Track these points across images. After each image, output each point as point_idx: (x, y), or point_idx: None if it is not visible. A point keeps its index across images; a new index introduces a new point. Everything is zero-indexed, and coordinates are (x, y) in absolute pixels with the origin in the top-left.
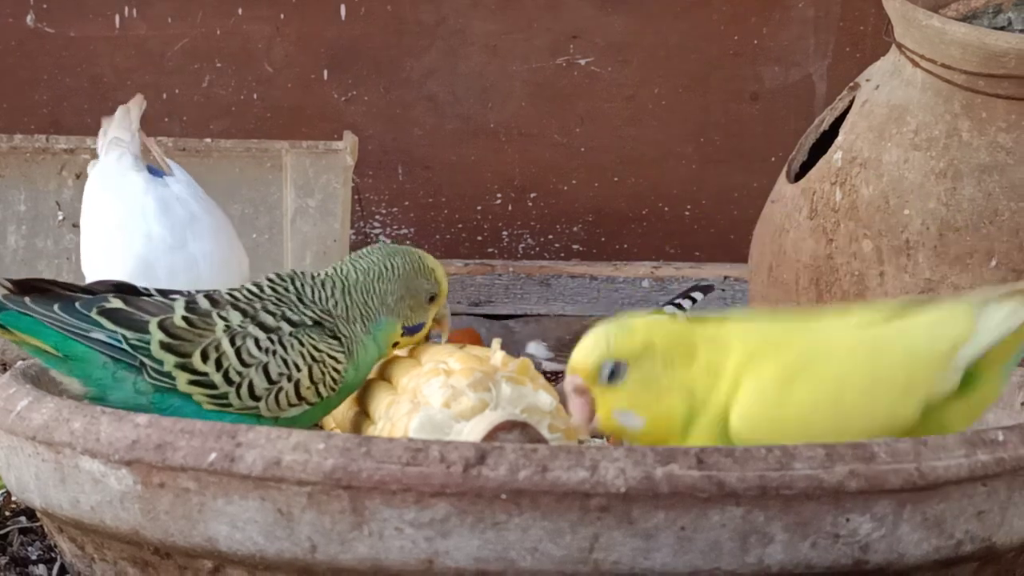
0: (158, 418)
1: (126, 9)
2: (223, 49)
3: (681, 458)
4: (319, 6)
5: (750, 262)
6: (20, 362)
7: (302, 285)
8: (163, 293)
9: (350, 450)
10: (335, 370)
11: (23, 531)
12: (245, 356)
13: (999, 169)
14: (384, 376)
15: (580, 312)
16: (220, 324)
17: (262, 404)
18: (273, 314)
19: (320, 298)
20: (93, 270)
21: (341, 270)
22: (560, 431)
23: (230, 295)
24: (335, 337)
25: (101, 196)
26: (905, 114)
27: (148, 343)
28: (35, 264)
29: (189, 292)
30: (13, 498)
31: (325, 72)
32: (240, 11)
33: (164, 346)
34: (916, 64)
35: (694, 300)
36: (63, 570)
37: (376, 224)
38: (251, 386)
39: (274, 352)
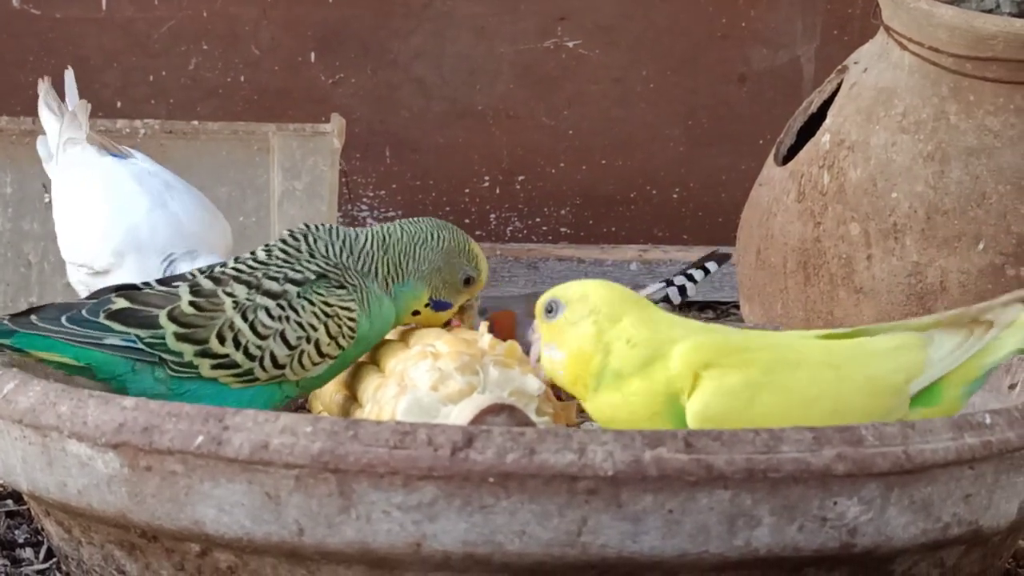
0: (145, 401)
1: None
2: (210, 31)
3: (669, 441)
4: None
5: (738, 245)
6: None
7: (314, 240)
8: (163, 283)
9: (337, 433)
10: (350, 319)
11: (10, 514)
12: (260, 329)
13: (987, 152)
14: (372, 359)
15: None
16: (228, 302)
17: (287, 370)
18: (276, 279)
19: (332, 251)
20: (76, 251)
21: (387, 228)
22: (548, 414)
23: (233, 268)
24: (342, 287)
25: (75, 179)
26: (893, 97)
27: (163, 338)
28: (21, 246)
29: (190, 274)
30: (0, 481)
31: (312, 54)
32: None
33: (180, 337)
34: (904, 47)
35: (707, 271)
36: (50, 553)
37: (363, 207)
38: (273, 356)
39: (287, 318)
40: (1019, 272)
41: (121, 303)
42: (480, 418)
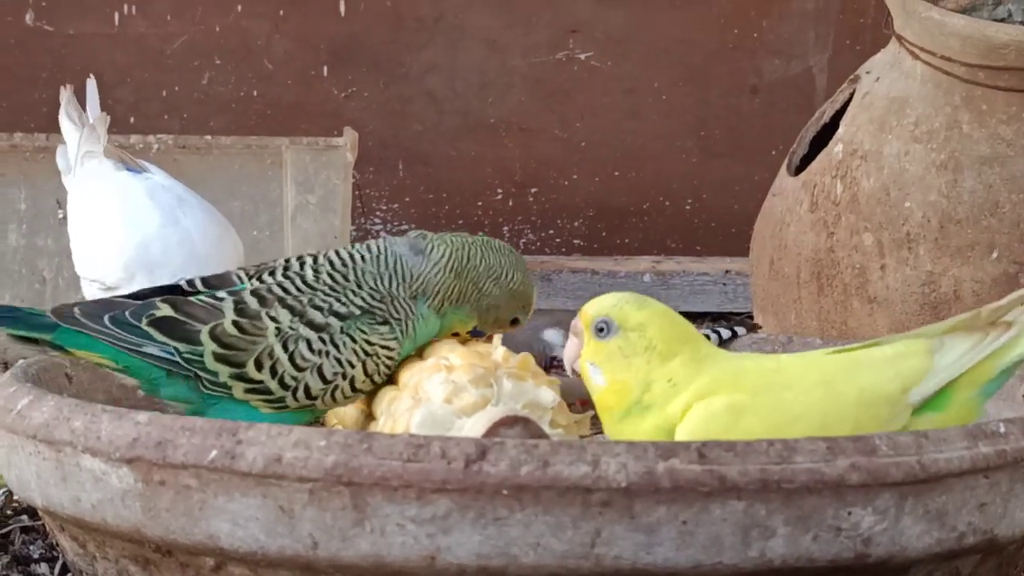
0: (158, 416)
1: (125, 7)
2: (222, 46)
3: (682, 452)
4: (318, 2)
5: (751, 256)
6: (21, 361)
7: (362, 271)
8: (208, 285)
9: (351, 446)
10: (388, 358)
11: (25, 530)
12: (299, 360)
13: (1000, 161)
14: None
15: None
16: (271, 327)
17: (318, 402)
18: (321, 308)
19: (381, 283)
20: (90, 266)
21: (468, 249)
22: (561, 427)
23: (280, 287)
24: (386, 322)
25: (90, 193)
26: (905, 106)
27: (201, 355)
28: (35, 263)
29: (236, 286)
30: (15, 497)
31: (325, 68)
32: (239, 8)
33: (218, 357)
34: (916, 56)
35: (735, 334)
36: (65, 569)
37: (377, 220)
38: (307, 388)
39: (327, 353)
40: None
41: (165, 310)
42: (494, 430)
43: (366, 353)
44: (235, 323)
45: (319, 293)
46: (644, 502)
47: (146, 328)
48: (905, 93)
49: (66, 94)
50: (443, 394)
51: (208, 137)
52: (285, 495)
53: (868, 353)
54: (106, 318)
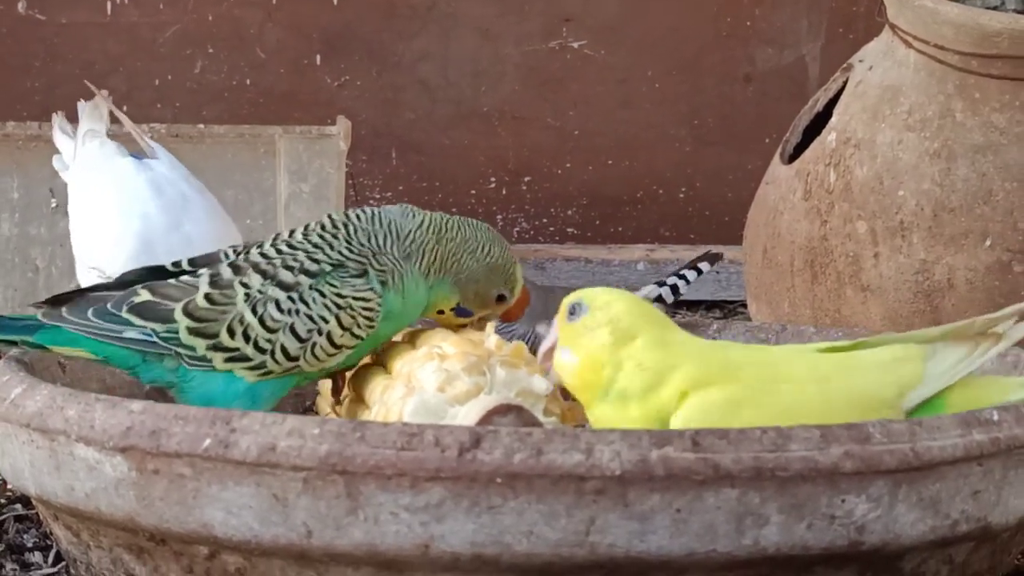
0: (152, 404)
1: None
2: (215, 35)
3: (676, 440)
4: None
5: (744, 244)
6: (14, 350)
7: (354, 229)
8: (195, 264)
9: (344, 435)
10: (366, 310)
11: (19, 519)
12: (269, 322)
13: (993, 149)
14: (379, 361)
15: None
16: (240, 294)
17: (301, 362)
18: (291, 268)
19: (374, 239)
20: (89, 254)
21: (446, 221)
22: (555, 415)
23: (261, 255)
24: (363, 275)
25: (91, 181)
26: (899, 95)
27: (177, 332)
28: (28, 252)
29: (223, 255)
30: (8, 486)
31: (318, 57)
32: None
33: (192, 331)
34: (909, 45)
35: (700, 271)
36: (59, 557)
37: None
38: (284, 349)
39: (297, 311)
40: None
41: (144, 296)
42: (487, 419)
43: (338, 307)
44: (207, 296)
45: (298, 253)
46: (638, 490)
47: (126, 316)
48: (898, 82)
49: (57, 119)
50: (436, 382)
51: (201, 126)
52: (279, 484)
53: (863, 355)
54: (90, 312)
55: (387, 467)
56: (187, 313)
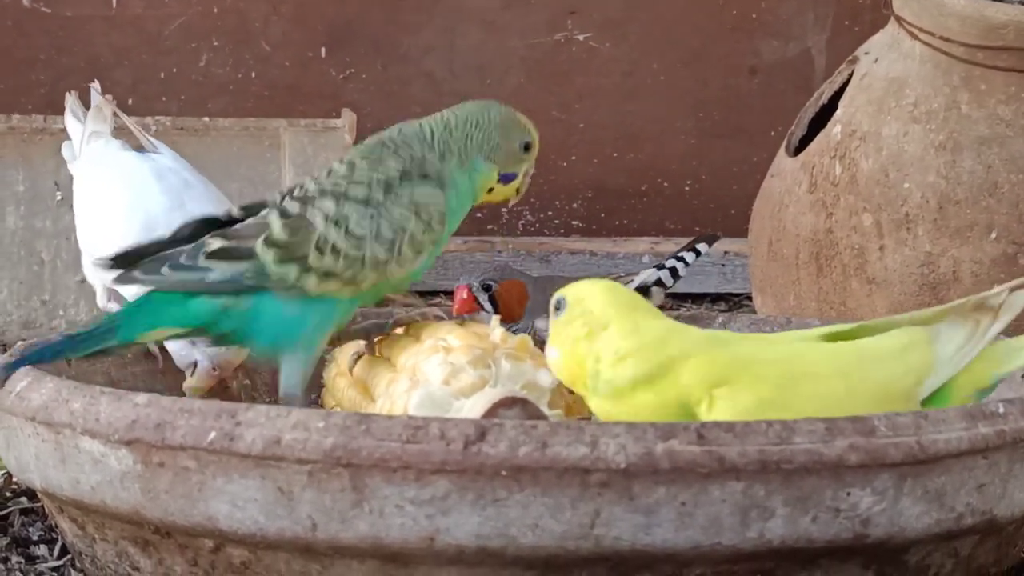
0: (157, 397)
1: None
2: (220, 27)
3: (681, 434)
4: None
5: (750, 237)
6: (19, 343)
7: (395, 147)
8: (248, 211)
9: (350, 428)
10: (438, 210)
11: (24, 512)
12: (357, 232)
13: (999, 141)
14: (383, 354)
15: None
16: (319, 216)
17: (390, 267)
18: (361, 183)
19: (413, 149)
20: (95, 246)
21: (441, 117)
22: (560, 407)
23: (316, 186)
24: (424, 178)
25: (95, 174)
26: (904, 87)
27: (264, 267)
28: (33, 244)
29: (270, 201)
30: (14, 479)
31: (323, 50)
32: None
33: (279, 260)
34: (915, 37)
35: (699, 252)
36: (64, 550)
37: None
38: (373, 258)
39: (378, 218)
40: None
41: (217, 243)
42: (492, 412)
43: (416, 210)
44: (284, 226)
45: (356, 174)
46: (643, 483)
47: (204, 264)
48: (904, 74)
49: (71, 98)
50: (441, 375)
51: (206, 119)
52: (284, 477)
53: (875, 344)
54: (164, 269)
55: (392, 460)
56: (270, 244)
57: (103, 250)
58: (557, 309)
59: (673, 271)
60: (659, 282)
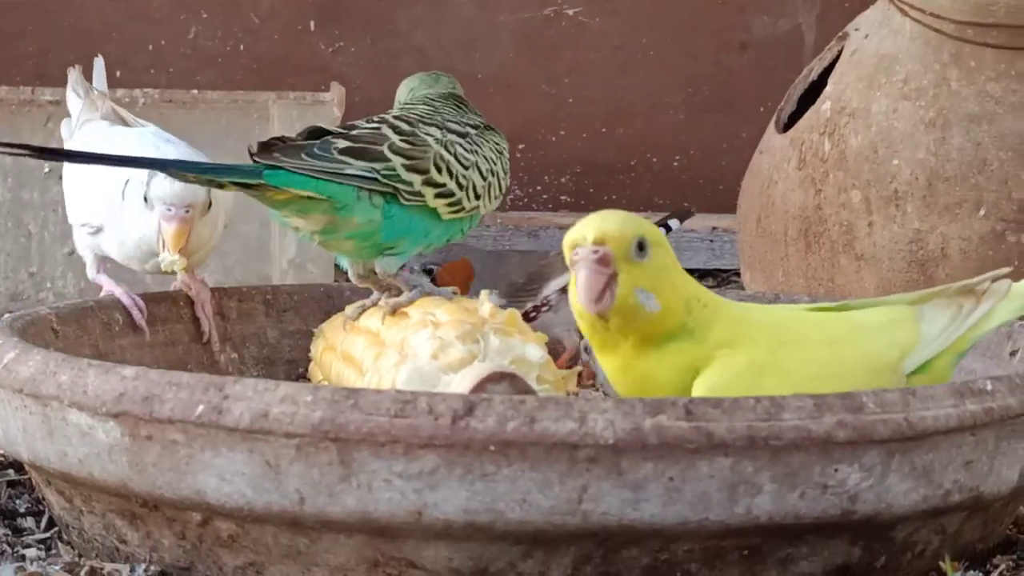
0: (145, 370)
1: None
2: (209, 0)
3: (670, 409)
4: None
5: (738, 213)
6: (6, 315)
7: (453, 107)
8: (348, 127)
9: (338, 402)
10: (508, 159)
11: (11, 484)
12: (464, 161)
13: (988, 119)
14: (371, 328)
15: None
16: (430, 138)
17: (482, 202)
18: (452, 120)
19: (463, 110)
20: (82, 211)
21: (436, 78)
22: (548, 383)
23: (405, 114)
24: (492, 128)
25: (86, 145)
26: (894, 64)
27: (395, 169)
28: (21, 216)
29: (376, 118)
30: (1, 451)
31: (312, 23)
32: None
33: (408, 168)
34: (905, 13)
35: (669, 228)
36: (51, 523)
37: None
38: (474, 186)
39: (477, 152)
40: (1020, 239)
41: (343, 142)
42: (481, 386)
43: (499, 152)
44: (403, 140)
45: (444, 112)
46: (631, 458)
47: (340, 157)
48: (894, 50)
49: (74, 74)
50: (430, 350)
51: (194, 92)
52: (272, 450)
53: (862, 316)
54: (303, 155)
55: (380, 434)
56: (396, 152)
57: (86, 211)
58: (642, 249)
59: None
60: None
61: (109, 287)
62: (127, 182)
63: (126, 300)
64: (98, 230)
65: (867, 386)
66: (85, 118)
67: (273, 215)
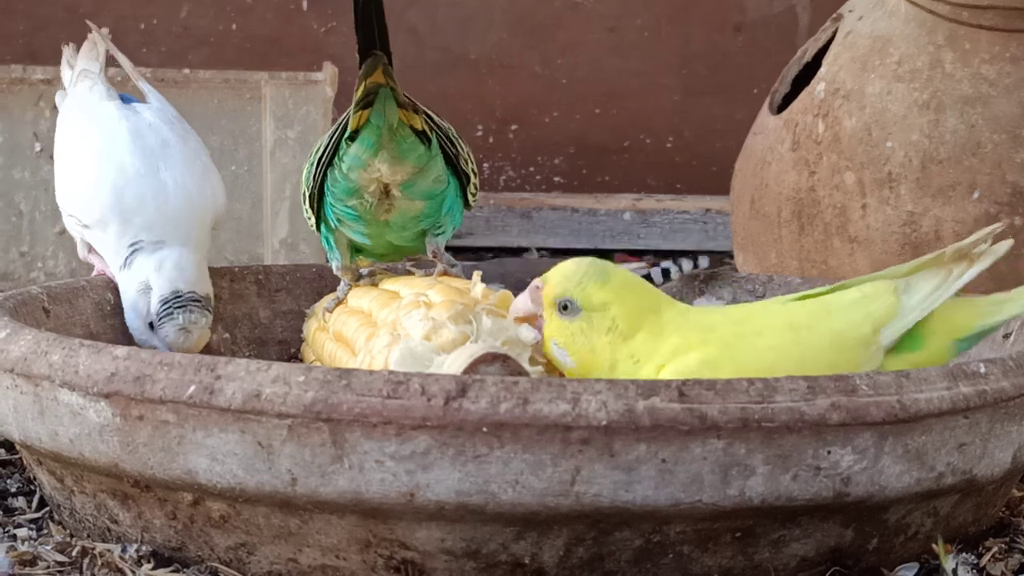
0: (136, 351)
1: None
2: None
3: (663, 391)
4: None
5: (732, 195)
6: None
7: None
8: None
9: (330, 383)
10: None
11: (2, 464)
12: (472, 161)
13: (982, 101)
14: (363, 309)
15: (562, 245)
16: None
17: (473, 201)
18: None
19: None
20: (67, 200)
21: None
22: (541, 364)
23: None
24: None
25: (75, 125)
26: (888, 45)
27: (465, 157)
28: (12, 196)
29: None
30: None
31: (304, 2)
32: None
33: (466, 160)
34: None
35: (696, 265)
36: (43, 503)
37: None
38: (474, 184)
39: (470, 156)
40: (1013, 221)
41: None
42: (473, 367)
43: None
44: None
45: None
46: (624, 440)
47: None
48: (888, 32)
49: (67, 51)
50: (422, 331)
51: (186, 71)
52: (264, 431)
53: (834, 297)
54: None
55: (373, 415)
56: (457, 139)
57: (74, 206)
58: (565, 310)
59: (666, 272)
60: (648, 277)
61: (101, 266)
62: (131, 252)
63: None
64: (87, 227)
65: (833, 364)
66: (83, 67)
67: (359, 160)
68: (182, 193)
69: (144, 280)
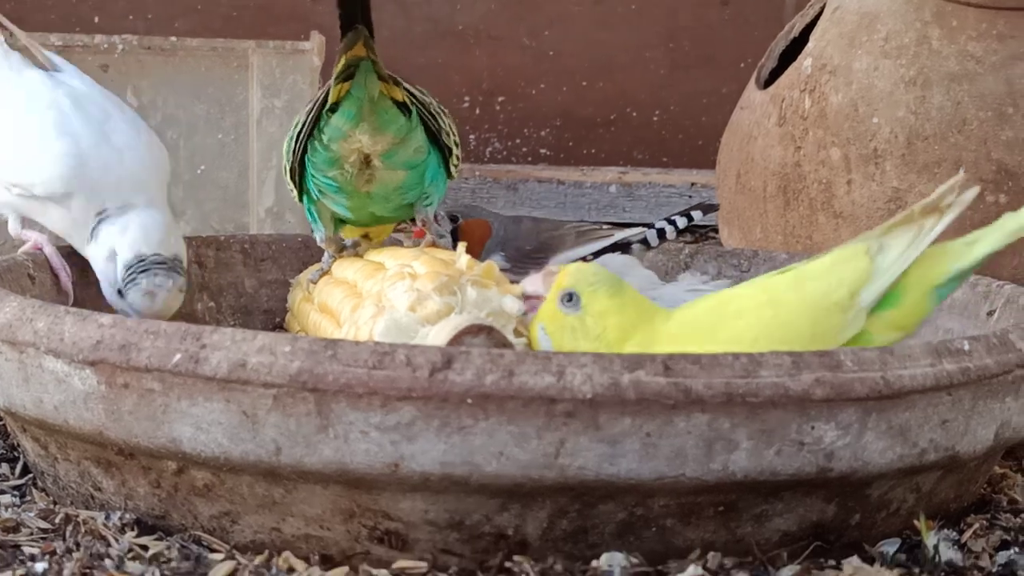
0: (122, 319)
1: None
2: None
3: (648, 365)
4: None
5: (718, 169)
6: None
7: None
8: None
9: (316, 353)
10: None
11: None
12: (455, 132)
13: (968, 78)
14: (348, 279)
15: (547, 217)
16: (434, 102)
17: (456, 171)
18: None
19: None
20: (9, 171)
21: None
22: (524, 335)
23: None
24: None
25: (7, 95)
26: (876, 21)
27: (448, 129)
28: None
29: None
30: None
31: None
32: None
33: (448, 133)
34: None
35: (691, 218)
36: (26, 469)
37: None
38: (457, 156)
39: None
40: (998, 199)
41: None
42: (458, 339)
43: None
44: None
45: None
46: (609, 413)
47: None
48: (876, 8)
49: None
50: (407, 302)
51: (173, 39)
52: (249, 400)
53: (807, 266)
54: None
55: (358, 386)
56: (440, 113)
57: (24, 176)
58: (567, 302)
59: (661, 232)
60: (644, 240)
61: (38, 241)
62: (98, 222)
63: (55, 261)
64: (35, 198)
65: (814, 334)
66: None
67: (340, 131)
68: (136, 156)
69: (111, 247)
